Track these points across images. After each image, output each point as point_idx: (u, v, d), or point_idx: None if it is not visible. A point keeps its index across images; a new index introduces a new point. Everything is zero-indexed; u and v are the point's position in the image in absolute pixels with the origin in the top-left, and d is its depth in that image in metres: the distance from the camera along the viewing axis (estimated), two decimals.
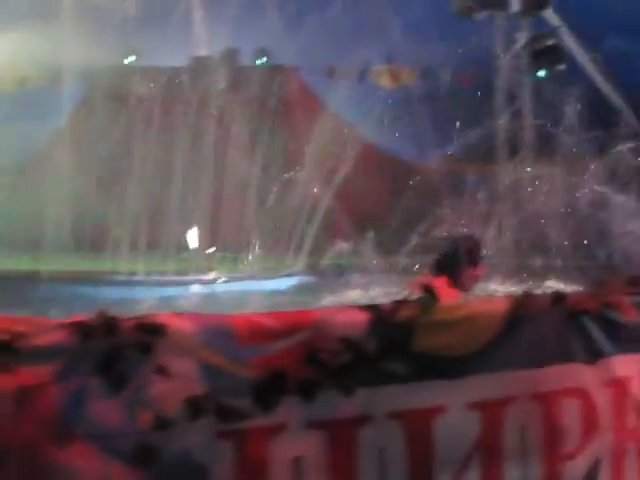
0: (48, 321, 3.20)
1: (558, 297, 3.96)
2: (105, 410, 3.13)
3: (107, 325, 3.11)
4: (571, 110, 12.78)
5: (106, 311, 3.16)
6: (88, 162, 14.47)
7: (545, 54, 18.62)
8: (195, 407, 3.17)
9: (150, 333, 3.13)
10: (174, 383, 3.17)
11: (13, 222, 14.05)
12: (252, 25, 16.70)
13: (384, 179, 17.22)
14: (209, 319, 3.36)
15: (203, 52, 19.47)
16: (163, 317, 3.22)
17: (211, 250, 12.80)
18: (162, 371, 3.14)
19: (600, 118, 12.91)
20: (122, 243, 11.75)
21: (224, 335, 3.27)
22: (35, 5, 15.67)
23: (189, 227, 12.91)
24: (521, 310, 3.83)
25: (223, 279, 9.87)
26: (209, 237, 12.77)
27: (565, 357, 3.97)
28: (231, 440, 3.28)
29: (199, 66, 17.20)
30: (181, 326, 3.22)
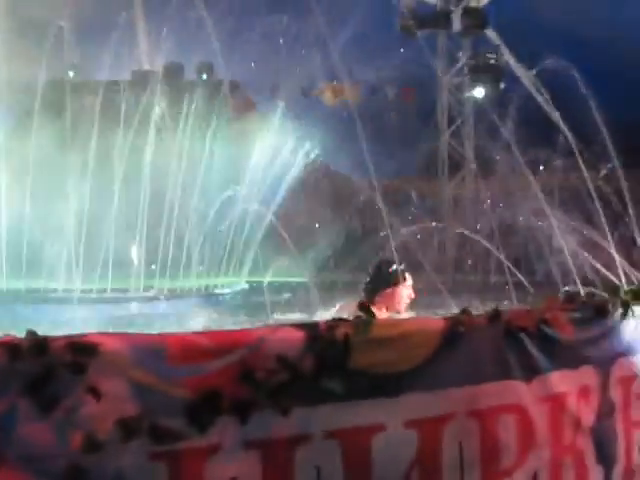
0: None
1: (495, 314, 3.97)
2: (35, 432, 3.05)
3: (37, 345, 3.03)
4: (510, 127, 12.94)
5: (35, 331, 3.08)
6: (26, 177, 14.28)
7: (484, 72, 18.88)
8: (127, 428, 3.10)
9: (81, 353, 3.06)
10: (106, 404, 3.10)
11: None
12: (196, 41, 16.65)
13: (327, 196, 17.24)
14: (141, 338, 3.30)
15: (147, 67, 19.37)
16: (94, 336, 3.15)
17: (152, 267, 12.67)
18: (93, 391, 3.07)
19: (539, 135, 13.07)
20: (59, 260, 11.58)
21: (157, 354, 3.21)
22: None
23: (130, 243, 12.78)
24: (458, 327, 3.83)
25: (162, 296, 9.76)
26: (150, 254, 12.66)
27: (502, 374, 3.99)
28: (165, 461, 3.21)
29: (141, 79, 17.10)
30: (113, 345, 3.15)
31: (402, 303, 6.17)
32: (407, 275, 6.21)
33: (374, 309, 5.68)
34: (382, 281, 6.13)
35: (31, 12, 15.62)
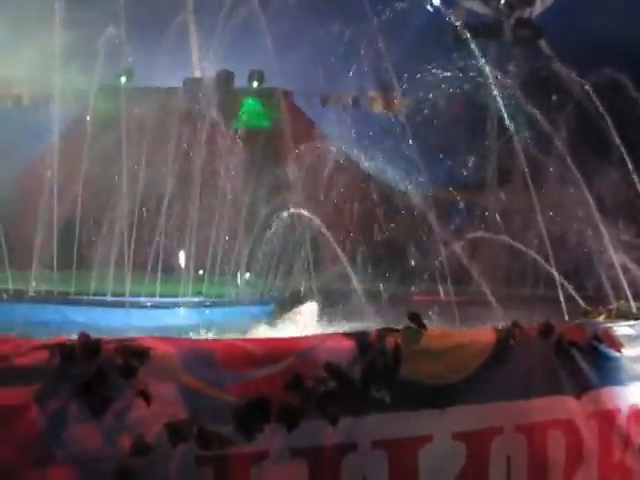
0: (29, 341, 3.15)
1: (546, 328, 3.94)
2: (85, 433, 3.07)
3: (89, 347, 3.05)
4: (562, 138, 12.82)
5: (88, 333, 3.11)
6: (78, 181, 14.46)
7: (536, 83, 18.72)
8: (176, 432, 3.11)
9: (133, 356, 3.08)
10: (156, 407, 3.11)
11: (8, 239, 14.02)
12: (246, 48, 16.74)
13: (375, 206, 17.22)
14: (192, 344, 3.32)
15: (197, 74, 19.52)
16: (146, 340, 3.18)
17: (200, 272, 12.74)
18: (144, 395, 3.09)
19: (591, 147, 12.95)
20: (109, 263, 11.70)
21: (206, 360, 3.22)
22: (30, 24, 15.71)
23: (179, 249, 12.88)
24: (509, 340, 3.80)
25: (210, 302, 9.81)
26: (198, 259, 12.73)
27: (552, 388, 3.95)
28: (212, 466, 3.22)
29: (193, 87, 17.22)
30: (164, 350, 3.17)
31: None
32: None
33: None
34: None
35: (83, 17, 15.82)
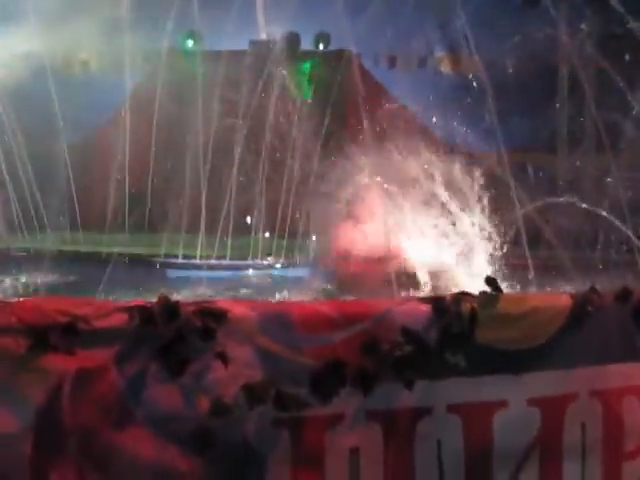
0: (110, 304, 3.21)
1: (624, 294, 3.87)
2: (164, 394, 3.13)
3: (168, 310, 3.09)
4: (637, 100, 12.52)
5: (168, 295, 3.15)
6: (147, 145, 14.57)
7: (609, 42, 18.28)
8: (253, 394, 3.15)
9: (211, 319, 3.11)
10: (233, 369, 3.15)
11: (72, 200, 14.25)
12: (312, 11, 16.63)
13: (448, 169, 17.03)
14: (269, 306, 3.35)
15: (263, 36, 19.47)
16: (224, 303, 3.21)
17: (266, 235, 12.79)
18: (222, 357, 3.12)
19: None
20: (178, 226, 11.81)
21: (284, 323, 3.24)
22: None
23: (247, 212, 12.93)
24: (585, 306, 3.75)
25: (280, 265, 9.84)
26: (266, 222, 12.79)
27: (629, 354, 3.89)
28: (288, 428, 3.26)
29: (260, 50, 17.19)
30: (241, 313, 3.20)
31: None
32: None
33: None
34: None
35: None
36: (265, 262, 10.54)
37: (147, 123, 14.88)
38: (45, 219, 12.67)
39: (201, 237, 10.44)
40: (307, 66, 19.00)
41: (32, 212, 12.94)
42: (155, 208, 13.46)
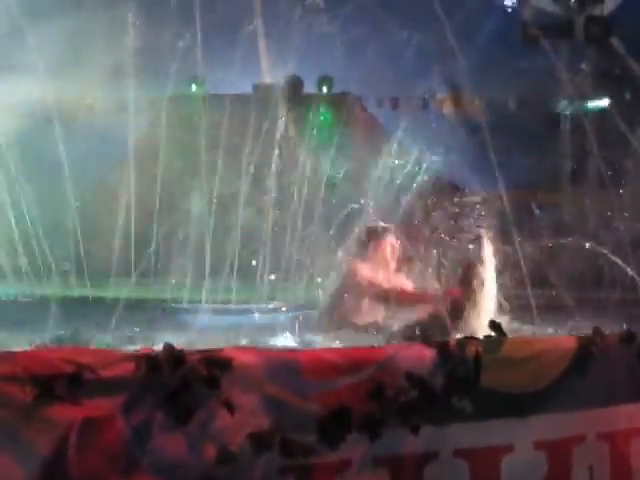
0: (115, 353, 3.22)
1: (628, 335, 3.88)
2: (170, 443, 3.13)
3: (174, 358, 3.11)
4: (637, 136, 12.60)
5: (172, 344, 3.16)
6: (152, 189, 14.64)
7: (609, 81, 18.43)
8: (260, 442, 3.15)
9: (217, 367, 3.13)
10: (239, 417, 3.15)
11: (79, 247, 14.28)
12: (315, 54, 16.78)
13: (449, 211, 17.07)
14: (274, 353, 3.36)
15: (267, 80, 19.64)
16: (229, 351, 3.22)
17: (272, 277, 12.80)
18: (228, 405, 3.13)
19: None
20: (184, 270, 11.83)
21: (289, 370, 3.25)
22: (100, 34, 15.98)
23: (253, 255, 12.95)
24: (590, 348, 3.76)
25: (284, 308, 9.83)
26: (270, 265, 12.80)
27: (635, 396, 3.89)
28: (295, 475, 3.26)
29: (263, 93, 17.32)
30: (247, 360, 3.21)
31: (387, 258, 6.88)
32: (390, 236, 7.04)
33: (370, 267, 6.68)
34: (367, 237, 7.03)
35: (153, 25, 16.04)
36: (270, 306, 10.53)
37: (152, 168, 14.97)
38: (52, 265, 12.70)
39: (207, 281, 10.45)
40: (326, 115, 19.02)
41: (39, 260, 12.98)
42: (161, 254, 13.50)
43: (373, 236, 7.06)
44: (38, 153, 13.82)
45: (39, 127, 14.24)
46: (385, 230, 7.12)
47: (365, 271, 6.83)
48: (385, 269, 6.93)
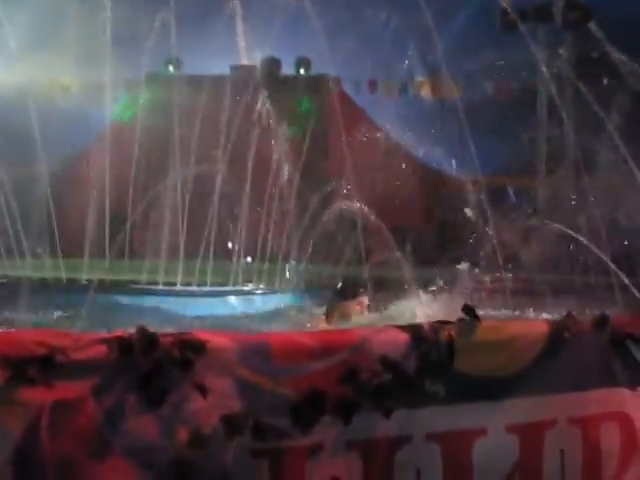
0: (88, 335, 3.20)
1: (601, 320, 3.90)
2: (142, 426, 3.12)
3: (147, 341, 3.09)
4: (614, 122, 12.65)
5: (145, 326, 3.15)
6: (127, 170, 14.58)
7: (586, 66, 18.47)
8: (232, 425, 3.15)
9: (190, 350, 3.12)
10: (212, 400, 3.15)
11: (52, 226, 14.22)
12: (293, 36, 16.73)
13: (425, 192, 17.12)
14: (248, 337, 3.35)
15: (245, 61, 19.55)
16: (202, 334, 3.21)
17: (248, 260, 12.80)
18: (200, 388, 3.13)
19: None
20: (159, 252, 11.81)
21: (262, 353, 3.25)
22: (77, 13, 15.87)
23: (229, 237, 12.94)
24: (563, 332, 3.78)
25: (260, 291, 9.83)
26: (246, 247, 12.80)
27: (607, 381, 3.92)
28: (267, 459, 3.25)
29: (240, 75, 17.25)
30: (220, 344, 3.20)
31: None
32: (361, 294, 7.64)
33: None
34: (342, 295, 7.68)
35: (131, 5, 15.95)
36: (246, 288, 10.54)
37: (127, 150, 14.89)
38: (24, 246, 12.64)
39: (181, 263, 10.43)
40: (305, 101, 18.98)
41: (12, 239, 12.90)
42: (136, 234, 13.46)
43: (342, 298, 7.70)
44: (11, 134, 13.73)
45: (14, 108, 14.13)
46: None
47: None
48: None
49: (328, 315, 7.19)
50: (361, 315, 7.23)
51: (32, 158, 13.87)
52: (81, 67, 17.31)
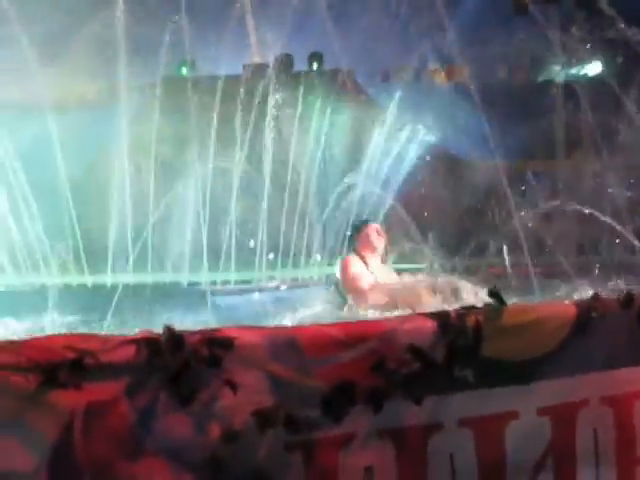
0: (116, 337, 3.22)
1: (627, 298, 3.89)
2: (175, 424, 3.13)
3: (174, 340, 3.11)
4: (632, 100, 12.57)
5: (172, 326, 3.16)
6: (148, 171, 14.63)
7: (601, 45, 18.36)
8: (264, 419, 3.16)
9: (218, 347, 3.13)
10: (242, 396, 3.16)
11: (75, 232, 14.30)
12: (304, 30, 16.71)
13: (445, 180, 17.07)
14: (276, 331, 3.36)
15: (257, 59, 19.56)
16: (230, 330, 3.22)
17: (270, 256, 12.81)
18: (230, 384, 3.14)
19: None
20: (183, 253, 11.85)
21: (291, 347, 3.26)
22: (90, 20, 15.93)
23: (251, 234, 12.96)
24: (590, 313, 3.77)
25: (285, 286, 9.83)
26: (268, 242, 12.82)
27: (636, 359, 3.91)
28: (300, 451, 3.26)
29: (254, 72, 17.26)
30: (248, 339, 3.22)
31: (373, 243, 7.70)
32: (374, 223, 7.95)
33: (361, 257, 7.54)
34: (354, 230, 7.91)
35: (142, 11, 16.00)
36: (271, 284, 10.56)
37: (146, 152, 14.94)
38: (48, 253, 12.71)
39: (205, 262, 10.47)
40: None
41: (35, 246, 12.98)
42: (157, 236, 13.51)
43: (357, 230, 7.92)
44: (32, 142, 13.82)
45: (33, 116, 14.22)
46: (367, 223, 7.97)
47: (353, 267, 7.56)
48: (373, 258, 7.68)
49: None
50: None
51: (52, 166, 13.96)
52: (96, 74, 17.39)
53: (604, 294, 3.96)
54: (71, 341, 3.12)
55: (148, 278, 11.13)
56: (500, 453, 3.59)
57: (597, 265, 9.32)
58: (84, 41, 15.76)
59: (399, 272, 7.75)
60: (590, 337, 3.77)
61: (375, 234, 7.76)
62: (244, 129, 13.37)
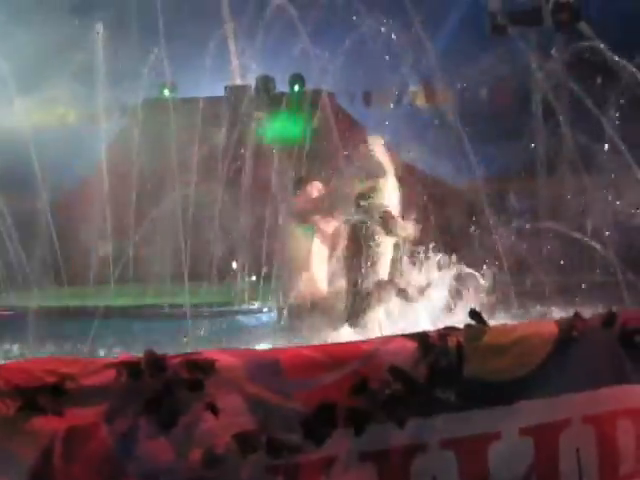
0: (97, 361, 3.20)
1: (609, 317, 3.89)
2: (156, 448, 3.11)
3: (155, 364, 3.09)
4: (611, 119, 12.67)
5: (153, 349, 3.14)
6: (129, 193, 14.61)
7: (579, 66, 18.48)
8: (245, 442, 3.14)
9: (198, 370, 3.11)
10: (224, 419, 3.14)
11: (56, 255, 14.25)
12: (285, 54, 16.77)
13: (425, 200, 17.08)
14: (257, 354, 3.35)
15: (239, 81, 19.59)
16: (211, 353, 3.21)
17: (252, 278, 12.79)
18: (211, 408, 3.12)
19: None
20: (164, 275, 11.81)
21: (272, 369, 3.24)
22: (72, 43, 15.94)
23: (231, 256, 12.94)
24: (571, 332, 3.77)
25: (266, 309, 9.80)
26: (250, 265, 12.80)
27: (619, 377, 3.91)
28: (282, 474, 3.24)
29: (235, 95, 17.30)
30: (229, 362, 3.20)
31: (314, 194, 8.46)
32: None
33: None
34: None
35: (123, 34, 16.04)
36: (252, 307, 10.52)
37: (127, 174, 14.91)
38: (29, 276, 12.64)
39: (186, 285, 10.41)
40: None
41: (15, 269, 12.92)
42: (139, 258, 13.46)
43: (299, 183, 8.76)
44: (13, 163, 13.77)
45: (14, 137, 14.18)
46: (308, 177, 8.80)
47: (299, 205, 8.34)
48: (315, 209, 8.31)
49: None
50: None
51: (32, 187, 13.90)
52: (77, 97, 17.38)
53: (585, 313, 3.96)
54: (52, 365, 3.10)
55: (129, 301, 11.09)
56: (483, 474, 3.58)
57: (579, 285, 9.35)
58: (64, 65, 15.76)
59: None
60: (572, 357, 3.77)
61: (315, 190, 8.54)
62: (225, 150, 13.38)
